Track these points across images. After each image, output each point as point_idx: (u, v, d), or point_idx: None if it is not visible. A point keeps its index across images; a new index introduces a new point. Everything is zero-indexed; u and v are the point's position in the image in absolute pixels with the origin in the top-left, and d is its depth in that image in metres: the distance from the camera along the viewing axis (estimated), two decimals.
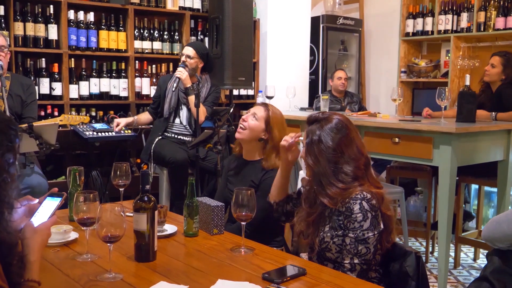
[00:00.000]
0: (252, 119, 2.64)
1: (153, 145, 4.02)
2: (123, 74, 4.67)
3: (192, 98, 3.98)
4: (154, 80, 4.80)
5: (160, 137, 4.06)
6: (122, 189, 2.36)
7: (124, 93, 4.66)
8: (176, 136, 4.09)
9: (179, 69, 4.01)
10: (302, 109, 5.15)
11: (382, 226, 1.84)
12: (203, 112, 4.07)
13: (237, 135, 2.66)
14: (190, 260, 1.83)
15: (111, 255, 1.66)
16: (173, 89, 4.03)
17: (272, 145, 2.62)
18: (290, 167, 2.23)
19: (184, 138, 4.10)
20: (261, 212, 2.56)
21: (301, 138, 2.16)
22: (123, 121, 4.07)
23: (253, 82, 5.16)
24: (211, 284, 1.57)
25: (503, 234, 1.96)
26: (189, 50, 4.10)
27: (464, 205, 4.34)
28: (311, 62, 6.08)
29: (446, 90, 3.44)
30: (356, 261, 1.81)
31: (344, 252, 1.83)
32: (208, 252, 1.90)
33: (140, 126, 4.27)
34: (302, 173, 2.97)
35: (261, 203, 2.56)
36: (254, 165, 2.68)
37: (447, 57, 5.76)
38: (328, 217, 1.91)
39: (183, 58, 4.10)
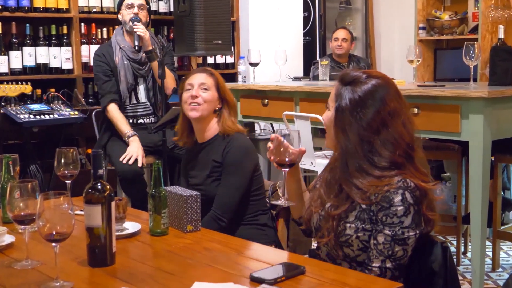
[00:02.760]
0: (203, 92, 2.74)
1: (105, 146, 4.00)
2: (65, 40, 4.65)
3: (155, 66, 3.97)
4: None
5: (112, 134, 4.02)
6: (69, 181, 2.36)
7: (67, 65, 4.64)
8: (134, 120, 4.08)
9: (137, 25, 3.97)
10: (296, 78, 5.16)
11: (423, 225, 1.84)
12: (172, 78, 4.06)
13: (193, 114, 2.73)
14: (159, 262, 1.85)
15: (58, 259, 1.66)
16: (134, 58, 3.98)
17: (227, 110, 2.78)
18: (294, 171, 2.12)
19: (145, 120, 4.10)
20: (235, 191, 2.62)
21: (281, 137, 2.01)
22: (138, 150, 3.88)
23: (232, 47, 5.16)
24: None
25: None
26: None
27: (502, 192, 4.38)
28: (306, 20, 6.09)
29: (476, 45, 3.47)
30: (388, 265, 1.81)
31: (373, 253, 1.82)
32: (181, 253, 1.92)
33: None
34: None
35: (233, 181, 2.61)
36: (212, 144, 2.76)
37: (476, 8, 5.80)
38: (357, 204, 1.89)
39: (134, 10, 4.05)
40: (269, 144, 2.05)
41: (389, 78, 1.95)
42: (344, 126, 1.88)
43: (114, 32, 4.20)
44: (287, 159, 2.00)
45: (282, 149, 1.99)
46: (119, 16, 4.13)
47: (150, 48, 3.96)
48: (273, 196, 2.66)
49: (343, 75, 1.95)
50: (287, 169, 2.03)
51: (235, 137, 2.72)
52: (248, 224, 2.68)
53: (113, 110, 3.98)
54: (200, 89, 2.73)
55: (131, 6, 4.06)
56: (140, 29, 3.93)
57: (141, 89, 4.07)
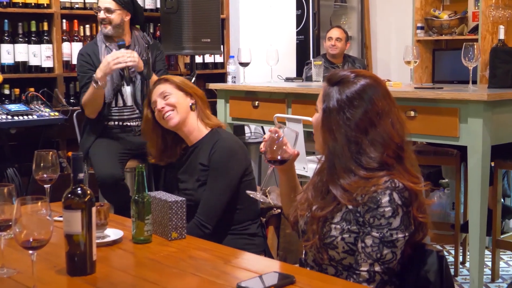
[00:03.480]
0: (168, 99, 2.78)
1: (89, 149, 3.98)
2: (45, 37, 4.64)
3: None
4: None
5: (96, 138, 4.00)
6: (48, 185, 2.36)
7: (48, 63, 4.63)
8: (120, 123, 4.06)
9: (123, 51, 3.79)
10: (288, 79, 5.17)
11: (413, 227, 1.85)
12: None
13: (172, 122, 2.76)
14: (141, 271, 1.84)
15: (35, 267, 1.66)
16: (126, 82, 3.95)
17: (200, 101, 2.84)
18: (288, 167, 2.16)
19: (131, 123, 4.08)
20: (220, 196, 2.62)
21: (281, 129, 2.07)
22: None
23: (221, 45, 5.17)
24: None
25: None
26: (106, 2, 3.96)
27: (502, 199, 4.40)
28: (299, 18, 6.10)
29: (476, 46, 3.49)
30: (377, 268, 1.82)
31: (361, 256, 1.83)
32: (165, 261, 1.91)
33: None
34: None
35: (219, 185, 2.61)
36: (201, 146, 2.77)
37: (476, 7, 5.83)
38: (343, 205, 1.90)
39: (100, 15, 3.99)
40: (265, 136, 2.08)
41: (378, 78, 1.97)
42: (331, 126, 1.90)
43: (99, 29, 4.16)
44: (279, 156, 2.02)
45: (276, 146, 2.02)
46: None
47: (143, 70, 3.90)
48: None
49: (331, 76, 1.97)
50: (274, 166, 2.06)
51: (222, 138, 2.73)
52: (236, 234, 2.68)
53: (84, 97, 3.93)
54: (162, 99, 2.78)
55: (98, 9, 3.98)
56: (130, 58, 3.79)
57: (128, 91, 4.04)
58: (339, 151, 1.88)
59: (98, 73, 3.73)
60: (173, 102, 2.76)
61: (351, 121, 1.87)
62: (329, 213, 1.89)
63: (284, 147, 2.04)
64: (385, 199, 1.81)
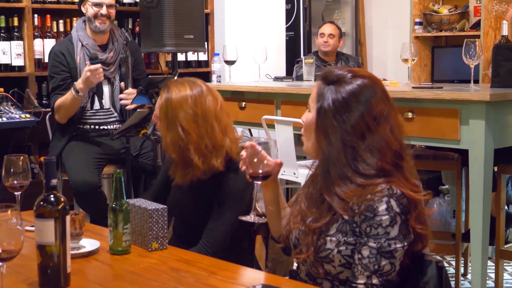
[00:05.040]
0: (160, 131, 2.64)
1: (61, 153, 3.97)
2: (16, 34, 4.62)
3: None
4: None
5: (67, 141, 3.99)
6: (19, 192, 2.36)
7: (18, 61, 4.62)
8: (96, 127, 4.04)
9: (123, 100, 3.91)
10: (277, 78, 5.18)
11: (412, 236, 1.86)
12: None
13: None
14: (120, 284, 1.85)
15: (5, 280, 1.65)
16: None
17: (194, 144, 2.52)
18: (272, 181, 2.14)
19: (109, 126, 4.07)
20: (230, 227, 2.56)
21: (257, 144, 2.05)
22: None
23: (205, 42, 5.17)
24: None
25: None
26: None
27: (506, 206, 4.42)
28: (289, 13, 6.12)
29: (477, 43, 3.51)
30: (375, 281, 1.82)
31: (358, 268, 1.83)
32: (144, 274, 1.91)
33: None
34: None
35: (231, 216, 2.54)
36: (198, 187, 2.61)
37: (478, 1, 5.86)
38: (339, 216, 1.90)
39: (102, 11, 4.00)
40: (243, 153, 2.06)
41: (377, 78, 1.97)
42: (327, 129, 1.90)
43: (75, 25, 4.14)
44: (260, 171, 2.02)
45: (257, 159, 2.01)
46: (82, 9, 4.06)
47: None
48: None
49: (326, 73, 1.97)
50: (259, 182, 2.05)
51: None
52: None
53: (58, 101, 3.91)
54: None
55: (99, 5, 3.98)
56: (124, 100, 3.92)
57: (106, 93, 4.02)
58: (334, 156, 1.88)
59: (80, 84, 3.75)
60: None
61: (347, 124, 1.87)
62: (324, 225, 1.90)
63: (265, 161, 2.03)
64: (382, 207, 1.81)
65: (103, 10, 3.97)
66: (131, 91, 3.86)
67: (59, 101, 3.87)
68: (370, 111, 1.88)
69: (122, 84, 3.97)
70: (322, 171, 1.92)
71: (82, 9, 4.06)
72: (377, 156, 1.86)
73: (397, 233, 1.82)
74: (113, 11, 4.04)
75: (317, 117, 1.92)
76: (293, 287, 1.79)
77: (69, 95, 3.80)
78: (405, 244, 1.83)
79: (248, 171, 2.04)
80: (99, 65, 3.73)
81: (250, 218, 2.10)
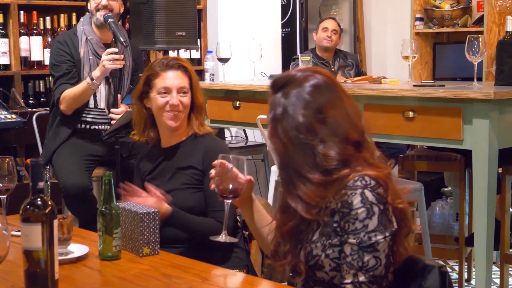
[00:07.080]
0: (182, 97, 2.77)
1: (53, 154, 3.96)
2: (1, 31, 4.63)
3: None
4: (49, 39, 4.75)
5: (64, 140, 3.98)
6: (5, 196, 2.35)
7: (3, 60, 4.62)
8: (88, 126, 4.04)
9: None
10: (273, 77, 5.17)
11: (395, 225, 1.87)
12: None
13: (172, 123, 2.77)
14: None
15: None
16: (101, 54, 3.92)
17: (198, 106, 2.83)
18: (245, 198, 2.18)
19: (100, 127, 4.06)
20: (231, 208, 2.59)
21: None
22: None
23: (198, 39, 5.17)
24: None
25: None
26: None
27: None
28: (284, 8, 6.12)
29: (481, 39, 3.51)
30: (361, 278, 1.82)
31: (344, 268, 1.84)
32: (135, 280, 1.91)
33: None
34: (276, 169, 3.01)
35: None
36: (180, 149, 2.79)
37: None
38: (315, 220, 1.93)
39: (103, 2, 3.99)
40: (212, 171, 2.10)
41: (318, 69, 2.00)
42: (279, 135, 1.93)
43: (81, 19, 4.14)
44: (231, 186, 2.05)
45: (228, 178, 2.06)
46: (88, 5, 4.06)
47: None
48: None
49: (272, 82, 2.00)
50: (230, 201, 2.08)
51: (208, 140, 2.78)
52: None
53: (68, 91, 3.91)
54: (179, 95, 2.77)
55: None
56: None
57: (102, 92, 4.02)
58: (290, 159, 1.91)
59: (97, 72, 3.79)
60: (186, 103, 2.77)
61: (297, 123, 1.90)
62: (300, 229, 1.92)
63: (237, 179, 2.07)
64: (357, 200, 1.83)
65: (104, 1, 3.98)
66: (120, 111, 3.87)
67: (69, 90, 3.87)
68: (310, 104, 1.90)
69: (119, 96, 3.96)
70: (282, 177, 1.95)
71: (88, 5, 4.07)
72: (335, 146, 1.89)
73: (377, 224, 1.82)
74: (115, 3, 4.01)
75: (271, 126, 1.96)
76: None
77: (83, 84, 3.82)
78: (387, 234, 1.83)
79: (219, 190, 2.07)
80: (116, 49, 3.80)
81: (222, 238, 2.12)
